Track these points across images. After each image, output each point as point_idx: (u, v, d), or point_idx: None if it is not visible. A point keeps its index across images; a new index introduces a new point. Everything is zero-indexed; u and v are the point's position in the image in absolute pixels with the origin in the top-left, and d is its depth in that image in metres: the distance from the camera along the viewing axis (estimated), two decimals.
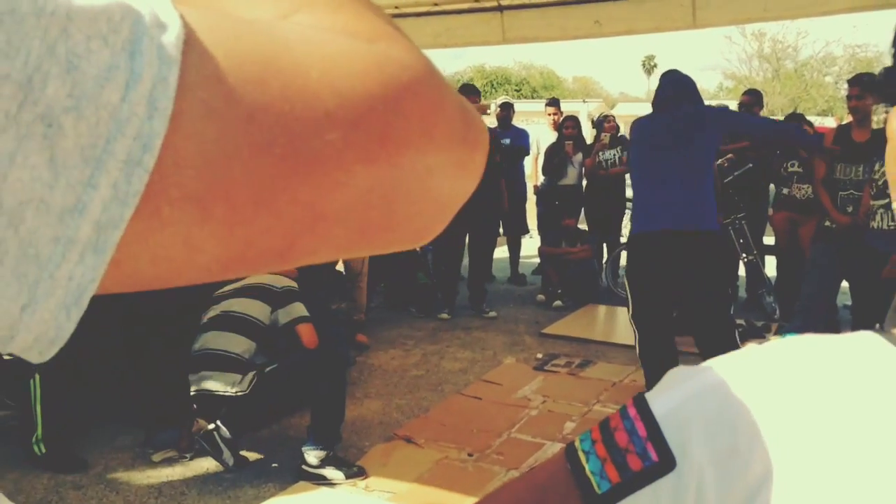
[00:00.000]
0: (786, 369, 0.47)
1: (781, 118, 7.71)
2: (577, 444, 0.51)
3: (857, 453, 0.43)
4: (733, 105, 8.05)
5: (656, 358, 3.73)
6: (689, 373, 0.51)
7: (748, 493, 0.45)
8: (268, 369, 3.41)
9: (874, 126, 4.62)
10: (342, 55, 0.28)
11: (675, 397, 0.49)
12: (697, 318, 3.80)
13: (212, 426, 3.38)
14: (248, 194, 0.25)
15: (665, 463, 0.47)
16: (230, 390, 3.39)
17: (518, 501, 0.53)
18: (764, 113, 7.66)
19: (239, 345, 3.48)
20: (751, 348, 0.51)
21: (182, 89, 0.23)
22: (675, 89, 3.77)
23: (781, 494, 0.44)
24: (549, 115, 8.08)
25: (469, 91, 6.73)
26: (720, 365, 0.50)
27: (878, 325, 0.48)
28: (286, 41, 0.27)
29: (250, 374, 3.41)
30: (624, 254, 7.42)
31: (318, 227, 0.28)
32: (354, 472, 3.37)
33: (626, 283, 3.95)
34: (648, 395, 0.50)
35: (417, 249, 6.65)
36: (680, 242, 3.58)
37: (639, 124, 3.96)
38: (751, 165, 6.18)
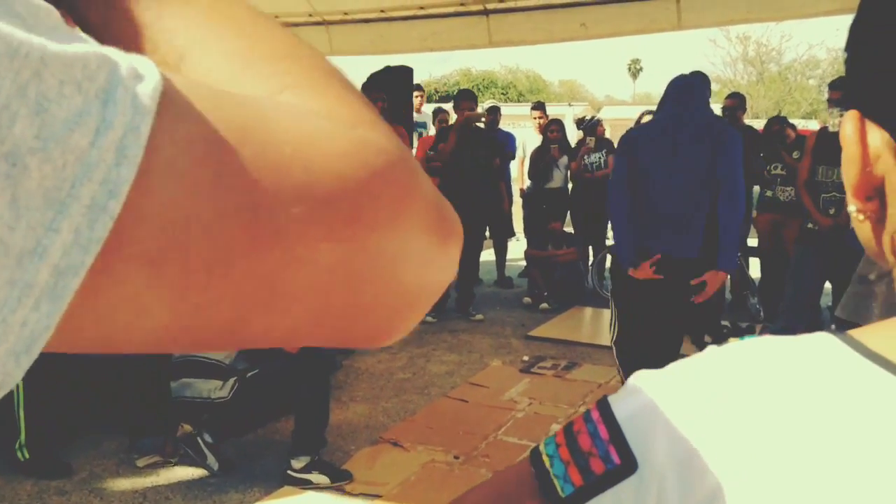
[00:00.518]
0: (743, 372, 0.48)
1: (765, 121, 7.76)
2: (541, 447, 0.52)
3: (810, 456, 0.43)
4: (717, 108, 8.10)
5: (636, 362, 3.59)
6: (651, 376, 0.51)
7: (708, 494, 0.45)
8: (249, 374, 3.40)
9: (831, 130, 4.62)
10: (319, 135, 0.28)
11: (637, 400, 0.50)
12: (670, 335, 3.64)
13: (194, 431, 3.36)
14: (204, 259, 0.25)
15: (627, 466, 0.47)
16: (211, 396, 3.38)
17: None
18: (748, 116, 7.70)
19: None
20: (710, 350, 0.51)
21: (152, 145, 0.23)
22: (678, 94, 3.59)
23: (742, 496, 0.44)
24: (535, 118, 8.11)
25: (467, 97, 6.70)
26: (681, 367, 0.51)
27: (832, 326, 0.48)
28: (264, 115, 0.27)
29: (231, 380, 3.40)
30: (610, 256, 7.47)
31: (274, 304, 0.27)
32: (340, 475, 3.37)
33: (612, 300, 3.84)
34: (611, 399, 0.51)
35: None
36: (663, 269, 3.47)
37: (631, 139, 3.71)
38: None
